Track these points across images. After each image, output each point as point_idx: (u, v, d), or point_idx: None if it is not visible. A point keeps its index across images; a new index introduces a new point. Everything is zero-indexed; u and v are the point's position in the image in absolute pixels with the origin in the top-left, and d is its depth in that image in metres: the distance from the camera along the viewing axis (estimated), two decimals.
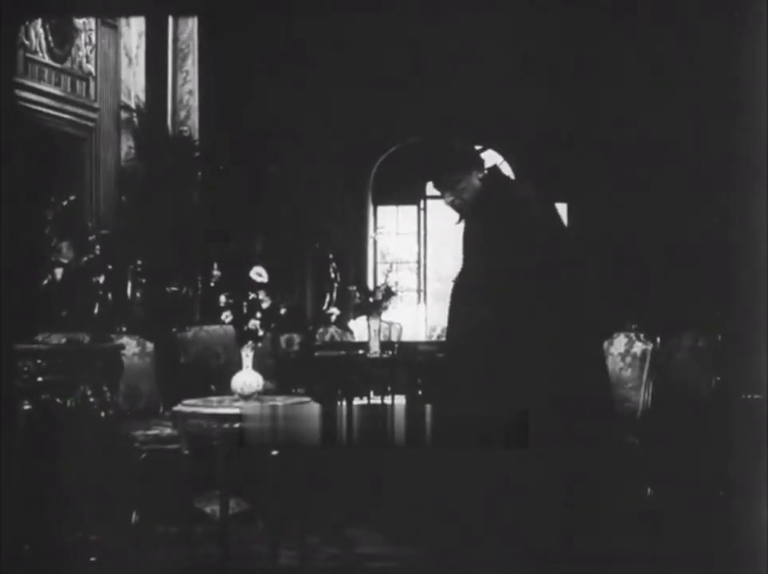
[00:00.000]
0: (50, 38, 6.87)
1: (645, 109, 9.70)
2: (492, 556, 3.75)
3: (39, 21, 6.66)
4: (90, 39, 7.44)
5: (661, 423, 5.72)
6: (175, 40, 8.99)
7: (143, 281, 8.08)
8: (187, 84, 9.05)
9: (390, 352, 7.09)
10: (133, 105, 8.17)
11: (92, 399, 5.15)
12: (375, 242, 12.60)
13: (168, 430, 5.73)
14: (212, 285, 7.79)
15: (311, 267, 11.04)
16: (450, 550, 3.70)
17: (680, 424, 5.88)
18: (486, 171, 4.49)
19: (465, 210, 4.45)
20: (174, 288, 8.13)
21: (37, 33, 6.76)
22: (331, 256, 10.72)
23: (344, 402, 6.77)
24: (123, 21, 7.94)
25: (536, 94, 10.31)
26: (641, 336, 5.90)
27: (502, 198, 4.38)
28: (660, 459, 5.66)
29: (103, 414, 5.21)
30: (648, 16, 9.04)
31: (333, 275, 10.68)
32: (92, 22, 7.42)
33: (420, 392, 6.71)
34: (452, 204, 4.50)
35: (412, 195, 12.71)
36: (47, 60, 6.87)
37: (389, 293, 7.12)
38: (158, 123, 8.56)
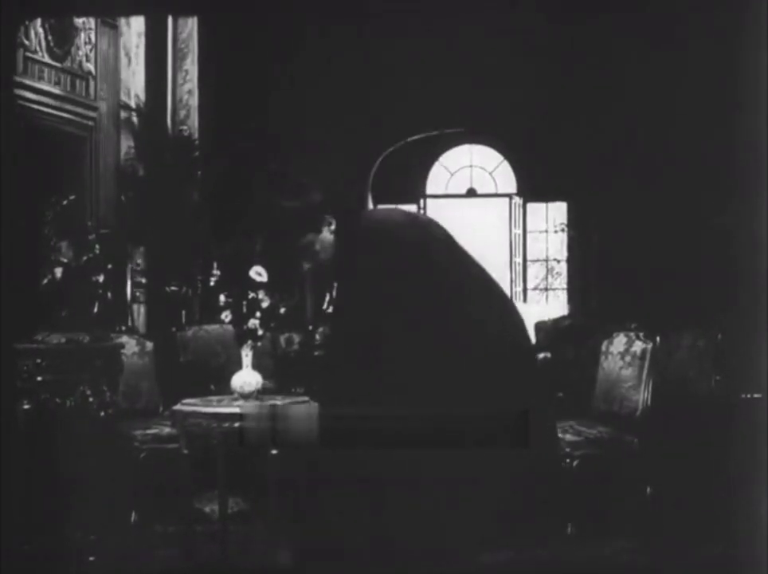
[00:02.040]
0: (50, 38, 6.87)
1: (645, 108, 9.70)
2: (486, 556, 3.75)
3: (39, 21, 6.66)
4: (90, 38, 7.44)
5: (661, 422, 5.72)
6: (175, 39, 8.99)
7: (143, 280, 8.09)
8: (187, 83, 9.05)
9: None
10: (133, 104, 8.18)
11: (91, 399, 5.15)
12: None
13: (167, 430, 5.73)
14: (211, 284, 7.81)
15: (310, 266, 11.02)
16: (447, 550, 3.69)
17: (680, 423, 5.88)
18: (334, 219, 3.85)
19: (328, 269, 3.86)
20: (173, 288, 8.13)
21: (37, 33, 6.76)
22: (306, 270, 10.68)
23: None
24: (122, 20, 7.94)
25: (536, 92, 10.30)
26: (641, 335, 5.89)
27: (362, 248, 3.76)
28: (660, 458, 5.66)
29: (102, 413, 5.20)
30: (650, 14, 9.04)
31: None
32: (91, 22, 7.41)
33: None
34: (310, 270, 3.95)
35: (412, 194, 12.71)
36: (47, 59, 6.87)
37: None
38: (158, 122, 8.56)
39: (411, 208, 12.62)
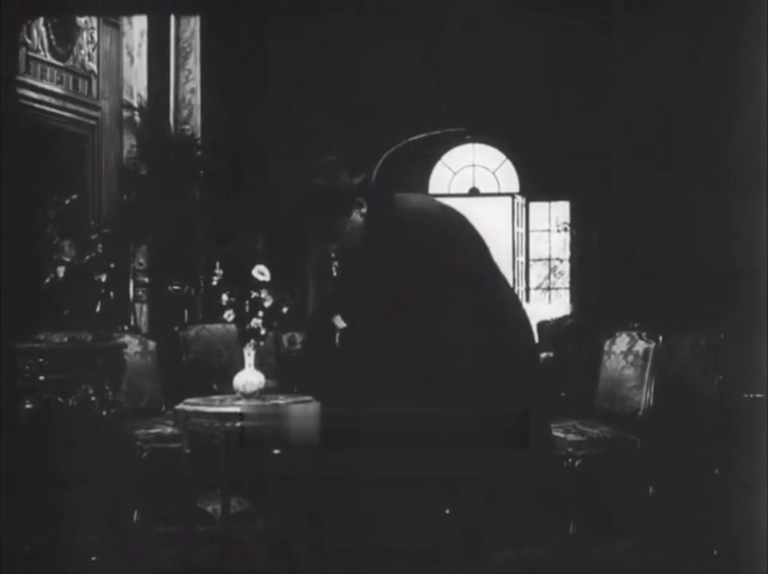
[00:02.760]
0: (52, 37, 6.87)
1: (647, 107, 9.69)
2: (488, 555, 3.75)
3: (41, 20, 6.66)
4: (92, 37, 7.44)
5: (663, 422, 5.72)
6: (177, 38, 8.98)
7: (146, 279, 8.09)
8: (189, 82, 9.04)
9: None
10: (135, 104, 8.17)
11: (93, 398, 5.15)
12: None
13: (170, 429, 5.74)
14: (214, 283, 7.80)
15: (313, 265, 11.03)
16: (448, 551, 3.69)
17: (682, 423, 5.88)
18: (366, 202, 3.78)
19: (353, 253, 3.83)
20: (176, 287, 8.13)
21: (39, 32, 6.76)
22: (333, 254, 10.68)
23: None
24: (125, 19, 7.94)
25: (538, 91, 10.30)
26: (643, 334, 5.89)
27: (390, 230, 3.71)
28: (662, 458, 5.66)
29: (104, 412, 5.21)
30: (650, 14, 9.03)
31: (335, 273, 10.65)
32: (94, 21, 7.41)
33: None
34: (337, 252, 3.86)
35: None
36: (49, 58, 6.87)
37: None
38: (161, 121, 8.56)
39: None
